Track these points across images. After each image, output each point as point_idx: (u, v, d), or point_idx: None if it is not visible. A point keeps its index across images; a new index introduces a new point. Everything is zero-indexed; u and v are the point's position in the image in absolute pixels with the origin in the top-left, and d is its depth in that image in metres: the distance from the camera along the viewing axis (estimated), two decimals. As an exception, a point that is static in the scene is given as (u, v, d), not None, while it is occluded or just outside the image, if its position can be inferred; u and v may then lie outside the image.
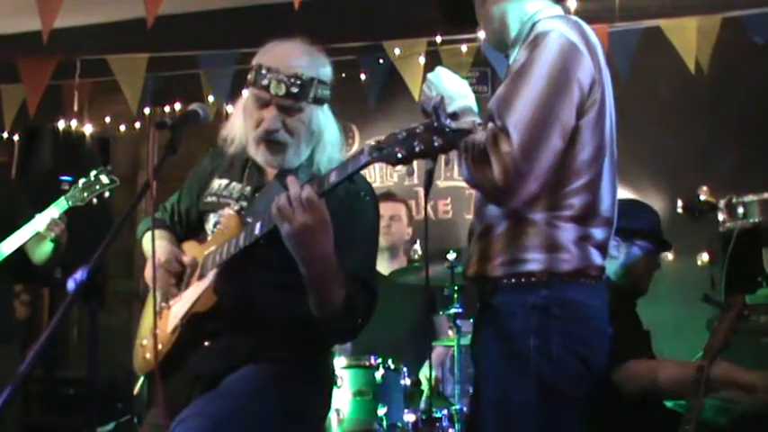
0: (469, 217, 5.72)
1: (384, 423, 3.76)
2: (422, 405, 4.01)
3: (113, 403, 5.29)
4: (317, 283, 2.25)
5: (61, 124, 6.20)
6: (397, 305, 4.53)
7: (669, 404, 3.21)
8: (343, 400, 3.82)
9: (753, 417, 3.01)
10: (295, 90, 2.38)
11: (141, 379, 2.62)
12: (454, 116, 1.99)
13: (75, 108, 6.18)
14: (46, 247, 3.87)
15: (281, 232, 2.19)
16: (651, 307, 3.36)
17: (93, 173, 3.88)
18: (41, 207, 3.81)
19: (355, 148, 6.12)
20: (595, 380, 2.22)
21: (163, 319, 2.48)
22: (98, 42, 6.22)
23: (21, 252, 3.86)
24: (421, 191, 6.04)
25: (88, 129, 6.31)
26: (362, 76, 5.78)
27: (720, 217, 3.88)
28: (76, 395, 5.51)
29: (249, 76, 2.44)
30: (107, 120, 6.51)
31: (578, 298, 2.17)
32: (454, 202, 6.09)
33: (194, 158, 2.75)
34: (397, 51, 5.56)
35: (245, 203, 2.49)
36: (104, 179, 3.87)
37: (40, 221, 3.76)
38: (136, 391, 2.68)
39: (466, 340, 3.55)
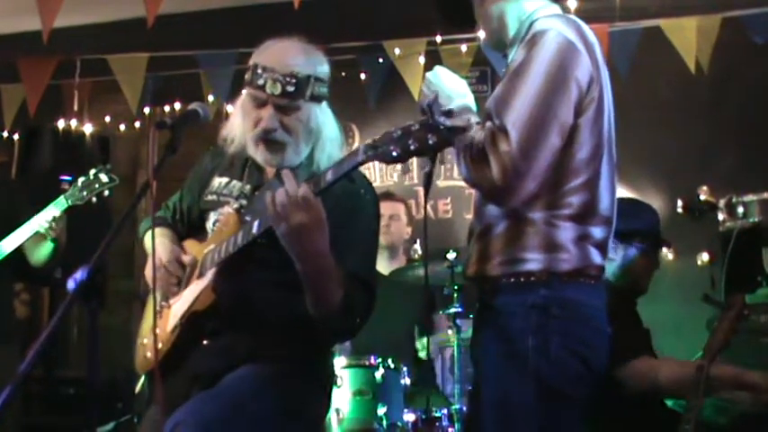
0: (469, 216, 5.72)
1: (384, 422, 3.76)
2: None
3: (113, 403, 5.28)
4: (314, 281, 2.24)
5: (61, 124, 6.21)
6: (397, 305, 4.53)
7: (669, 404, 3.21)
8: (342, 399, 3.82)
9: (752, 417, 3.01)
10: (291, 89, 2.37)
11: (142, 378, 2.63)
12: (449, 114, 1.98)
13: (75, 108, 6.19)
14: (45, 248, 3.86)
15: (276, 230, 2.19)
16: (651, 306, 3.36)
17: (92, 171, 3.88)
18: (41, 206, 3.81)
19: (355, 146, 6.09)
20: (595, 380, 2.22)
21: (163, 318, 2.48)
22: (98, 42, 6.22)
23: (20, 251, 3.86)
24: (421, 190, 6.04)
25: (88, 128, 6.32)
26: (362, 76, 5.79)
27: (720, 217, 3.88)
28: (76, 395, 5.51)
29: (246, 76, 2.44)
30: (107, 119, 6.51)
31: (577, 297, 2.17)
32: (454, 202, 6.09)
33: (194, 158, 2.75)
34: (397, 51, 5.56)
35: (244, 202, 2.50)
36: (104, 178, 3.87)
37: (40, 221, 3.76)
38: (137, 389, 2.67)
39: (466, 335, 3.55)
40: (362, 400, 3.83)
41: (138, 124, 6.42)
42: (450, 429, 3.84)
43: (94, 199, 3.86)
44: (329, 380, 2.61)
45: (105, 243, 2.00)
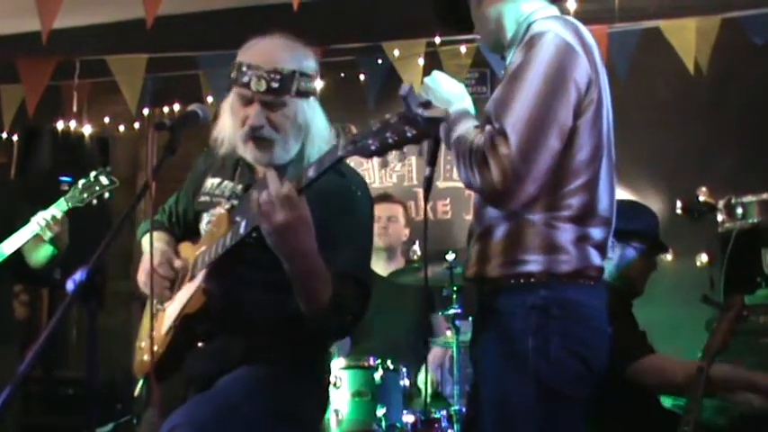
0: (468, 218, 5.73)
1: (383, 424, 3.76)
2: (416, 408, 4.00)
3: (112, 404, 5.29)
4: (301, 280, 2.22)
5: (60, 125, 6.21)
6: (396, 306, 4.53)
7: (668, 405, 3.22)
8: (341, 400, 3.82)
9: (752, 417, 3.02)
10: (276, 85, 2.35)
11: (140, 381, 2.63)
12: (427, 105, 1.96)
13: (75, 108, 6.19)
14: (44, 251, 3.86)
15: (261, 230, 2.18)
16: (650, 307, 3.36)
17: (92, 174, 3.88)
18: (41, 207, 3.81)
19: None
20: (595, 380, 2.22)
21: (158, 321, 2.48)
22: (97, 43, 6.22)
23: (20, 253, 3.85)
24: (419, 191, 6.04)
25: (87, 129, 6.31)
26: (362, 77, 5.79)
27: (719, 217, 3.88)
28: (76, 395, 5.51)
29: (232, 75, 2.42)
30: (106, 120, 6.51)
31: (577, 298, 2.17)
32: (453, 203, 6.09)
33: (193, 159, 2.76)
34: (396, 52, 5.56)
35: (236, 202, 2.48)
36: (104, 180, 3.87)
37: (39, 222, 3.75)
38: (136, 392, 2.67)
39: (465, 337, 3.55)
40: (361, 402, 3.83)
41: (137, 125, 6.42)
42: (449, 430, 3.84)
43: (94, 201, 3.86)
44: (325, 381, 2.61)
45: (104, 244, 2.00)
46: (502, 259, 2.19)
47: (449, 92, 2.27)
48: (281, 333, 2.36)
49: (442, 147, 2.32)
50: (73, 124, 6.24)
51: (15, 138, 6.28)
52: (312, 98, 2.47)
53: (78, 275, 2.00)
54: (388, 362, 3.91)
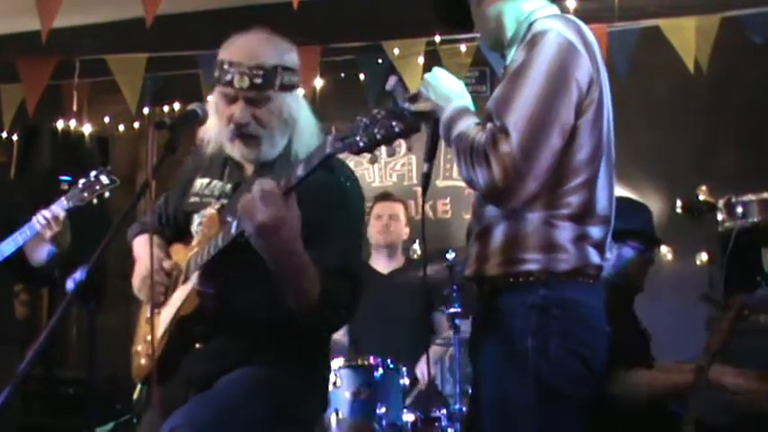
0: (468, 216, 5.69)
1: (383, 422, 3.76)
2: (409, 400, 4.00)
3: (112, 403, 5.28)
4: (287, 279, 2.21)
5: (60, 124, 6.21)
6: (396, 305, 4.54)
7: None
8: (341, 399, 3.83)
9: (753, 417, 3.01)
10: (259, 81, 2.34)
11: (139, 386, 2.62)
12: (414, 98, 1.94)
13: (75, 108, 6.19)
14: (45, 249, 3.86)
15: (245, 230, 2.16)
16: (650, 307, 3.36)
17: (93, 173, 3.88)
18: (41, 207, 3.81)
19: (366, 156, 6.11)
20: (595, 379, 2.22)
21: (151, 326, 2.46)
22: (97, 42, 6.22)
23: (20, 252, 3.85)
24: (420, 190, 6.04)
25: (87, 129, 6.31)
26: (362, 76, 5.79)
27: (719, 217, 3.88)
28: (76, 395, 5.51)
29: (215, 74, 2.42)
30: (106, 120, 6.51)
31: (577, 298, 2.17)
32: (453, 202, 6.09)
33: (194, 158, 2.74)
34: (396, 51, 5.56)
35: (226, 201, 2.46)
36: (104, 179, 3.87)
37: (39, 221, 3.75)
38: (135, 396, 2.67)
39: (465, 335, 3.56)
40: (361, 401, 3.83)
41: (137, 124, 6.42)
42: (449, 430, 3.85)
43: (95, 200, 3.86)
44: (325, 380, 2.60)
45: (104, 243, 2.00)
46: (501, 258, 2.19)
47: (449, 88, 2.27)
48: (277, 332, 2.34)
49: (441, 144, 2.32)
50: (73, 124, 6.24)
51: (15, 137, 6.28)
52: (296, 91, 2.45)
53: (78, 275, 2.00)
54: (388, 361, 3.91)
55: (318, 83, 5.66)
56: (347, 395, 3.85)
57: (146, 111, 6.24)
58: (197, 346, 2.41)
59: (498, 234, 2.21)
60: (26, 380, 1.91)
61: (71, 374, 5.70)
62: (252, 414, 2.27)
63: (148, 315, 2.51)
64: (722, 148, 5.43)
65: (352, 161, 2.33)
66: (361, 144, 1.93)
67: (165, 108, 6.21)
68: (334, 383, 3.84)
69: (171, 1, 4.86)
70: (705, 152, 5.45)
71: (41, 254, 3.88)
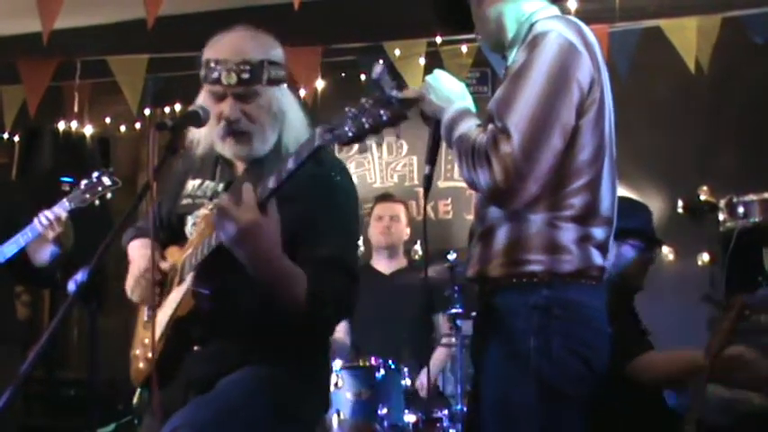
0: (470, 217, 5.72)
1: (384, 423, 3.76)
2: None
3: (114, 404, 5.29)
4: (269, 284, 2.21)
5: (61, 125, 6.21)
6: (397, 305, 4.54)
7: (671, 404, 3.22)
8: (343, 400, 3.83)
9: (755, 416, 3.01)
10: (246, 76, 2.33)
11: (138, 390, 2.61)
12: (401, 86, 1.93)
13: (76, 109, 6.19)
14: (48, 251, 3.86)
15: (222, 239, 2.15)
16: (652, 307, 3.36)
17: (94, 174, 3.88)
18: (42, 208, 3.81)
19: (356, 148, 6.12)
20: (596, 380, 2.22)
21: (151, 328, 2.46)
22: (98, 43, 6.23)
23: (21, 254, 3.86)
24: (421, 191, 6.04)
25: (88, 130, 6.32)
26: (362, 77, 5.79)
27: (721, 217, 3.88)
28: (77, 396, 5.52)
29: (201, 74, 2.40)
30: (107, 121, 6.51)
31: (579, 299, 2.17)
32: (454, 203, 6.09)
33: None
34: (397, 52, 5.56)
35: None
36: (106, 181, 3.88)
37: (42, 222, 3.76)
38: (135, 401, 2.66)
39: (466, 335, 3.55)
40: (363, 402, 3.83)
41: (138, 125, 6.43)
42: (450, 430, 3.85)
43: (97, 201, 3.86)
44: (326, 380, 2.60)
45: (105, 245, 2.00)
46: (504, 259, 2.19)
47: (450, 90, 2.27)
48: (274, 331, 2.33)
49: (443, 145, 2.32)
50: (74, 125, 6.24)
51: (17, 138, 6.29)
52: (284, 86, 2.45)
53: (79, 276, 2.00)
54: (390, 361, 3.91)
55: (320, 84, 5.66)
56: (349, 396, 3.85)
57: (147, 112, 6.25)
58: (195, 348, 2.40)
59: (501, 235, 2.20)
60: (27, 381, 1.91)
61: (72, 376, 5.71)
62: (252, 415, 2.27)
63: (145, 318, 2.51)
64: (723, 148, 5.43)
65: (353, 162, 2.32)
66: (350, 134, 1.92)
67: (167, 109, 6.22)
68: (336, 384, 3.84)
69: (172, 2, 4.86)
70: (706, 152, 5.45)
71: (44, 254, 3.88)
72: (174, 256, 2.50)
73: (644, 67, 5.15)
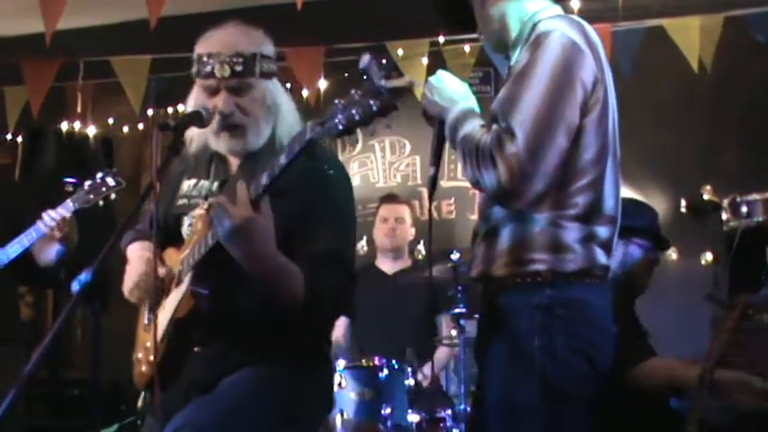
0: (473, 217, 5.72)
1: (388, 423, 3.76)
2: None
3: (117, 404, 5.29)
4: (266, 281, 2.21)
5: (64, 126, 6.21)
6: (401, 305, 4.54)
7: (673, 405, 3.21)
8: (346, 400, 3.83)
9: (756, 416, 3.01)
10: (240, 68, 2.33)
11: (142, 393, 2.61)
12: (389, 75, 1.93)
13: (79, 109, 6.19)
14: (53, 250, 3.86)
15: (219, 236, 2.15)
16: (655, 306, 3.36)
17: (98, 175, 3.88)
18: (45, 208, 3.82)
19: (359, 148, 6.14)
20: (600, 380, 2.21)
21: (152, 330, 2.45)
22: (101, 44, 6.23)
23: (25, 254, 3.86)
24: (424, 190, 6.04)
25: (91, 130, 6.32)
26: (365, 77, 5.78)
27: (724, 216, 3.88)
28: (80, 396, 5.52)
29: (193, 69, 2.40)
30: (110, 121, 6.52)
31: (583, 298, 2.17)
32: (458, 203, 6.09)
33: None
34: (399, 52, 5.55)
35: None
36: (110, 181, 3.88)
37: (46, 222, 3.76)
38: (139, 404, 2.66)
39: (470, 335, 3.55)
40: (366, 402, 3.84)
41: (141, 126, 6.43)
42: (454, 430, 3.85)
43: (100, 202, 3.87)
44: (328, 380, 2.59)
45: (109, 245, 2.00)
46: (508, 258, 2.19)
47: (453, 91, 2.27)
48: (274, 331, 2.32)
49: (446, 146, 2.32)
50: (77, 125, 6.24)
51: (20, 139, 6.28)
52: (276, 79, 2.45)
53: (83, 276, 1.99)
54: (393, 361, 3.91)
55: (322, 83, 5.66)
56: (352, 396, 3.85)
57: (150, 112, 6.24)
58: (195, 349, 2.40)
59: (505, 235, 2.20)
60: (31, 381, 1.92)
61: (76, 376, 5.71)
62: (254, 415, 2.26)
63: (145, 322, 2.51)
64: (726, 147, 5.42)
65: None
66: (341, 126, 1.91)
67: (170, 110, 6.22)
68: (339, 384, 3.84)
69: (175, 2, 4.86)
70: (709, 152, 5.44)
71: (50, 254, 3.88)
72: (172, 258, 2.49)
73: (647, 66, 5.15)
